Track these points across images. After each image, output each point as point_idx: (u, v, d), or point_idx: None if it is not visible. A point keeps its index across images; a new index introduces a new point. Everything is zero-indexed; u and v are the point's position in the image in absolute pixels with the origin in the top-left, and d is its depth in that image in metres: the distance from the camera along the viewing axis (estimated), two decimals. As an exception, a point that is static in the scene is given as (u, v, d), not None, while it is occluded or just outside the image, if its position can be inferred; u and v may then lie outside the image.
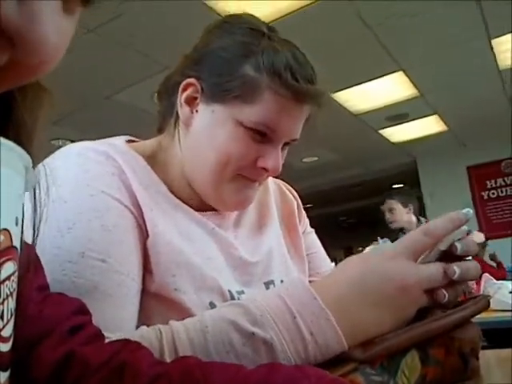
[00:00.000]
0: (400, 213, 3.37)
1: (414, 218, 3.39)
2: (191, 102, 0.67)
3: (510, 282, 2.18)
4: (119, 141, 0.68)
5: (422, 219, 3.43)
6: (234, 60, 0.64)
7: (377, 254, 0.53)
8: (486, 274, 2.24)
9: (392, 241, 3.05)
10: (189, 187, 0.70)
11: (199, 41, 0.71)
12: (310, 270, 0.84)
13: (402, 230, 3.44)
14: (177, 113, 0.69)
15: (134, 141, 0.74)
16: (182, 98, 0.68)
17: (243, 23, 0.67)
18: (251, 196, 0.70)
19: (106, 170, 0.60)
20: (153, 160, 0.69)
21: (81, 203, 0.56)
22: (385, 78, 3.86)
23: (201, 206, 0.70)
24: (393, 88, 4.09)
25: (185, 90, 0.67)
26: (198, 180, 0.68)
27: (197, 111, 0.67)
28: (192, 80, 0.67)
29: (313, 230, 0.92)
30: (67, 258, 0.52)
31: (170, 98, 0.71)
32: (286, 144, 0.69)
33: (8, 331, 0.24)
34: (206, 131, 0.66)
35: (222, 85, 0.64)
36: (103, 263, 0.54)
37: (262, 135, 0.64)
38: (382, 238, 3.21)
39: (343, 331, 0.47)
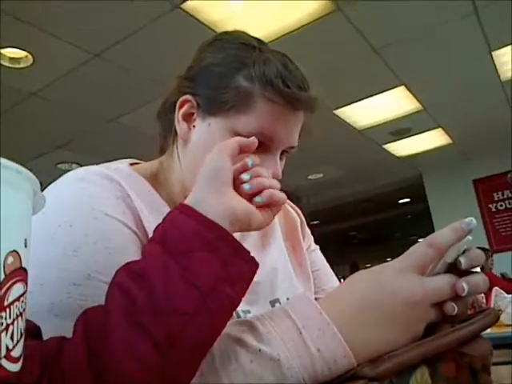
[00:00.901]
0: None
1: None
2: (188, 118, 0.69)
3: (520, 295, 2.15)
4: (123, 165, 0.69)
5: None
6: (227, 73, 0.66)
7: (383, 270, 0.53)
8: (497, 288, 2.21)
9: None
10: None
11: (193, 60, 0.72)
12: (315, 287, 0.84)
13: None
14: (175, 130, 0.70)
15: (137, 163, 0.75)
16: (179, 114, 0.69)
17: (235, 39, 0.70)
18: None
19: (110, 193, 0.61)
20: (155, 180, 0.70)
21: (86, 226, 0.56)
22: (387, 93, 3.89)
23: None
24: (395, 103, 4.12)
25: (181, 106, 0.69)
26: None
27: (194, 126, 0.68)
28: (188, 96, 0.68)
29: (317, 246, 0.91)
30: (72, 281, 0.52)
31: (168, 118, 0.72)
32: (284, 152, 0.70)
33: (18, 351, 0.24)
34: (203, 145, 0.67)
35: (217, 97, 0.65)
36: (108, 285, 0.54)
37: (258, 145, 0.65)
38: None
39: (350, 347, 0.46)
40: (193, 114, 0.68)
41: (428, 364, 0.47)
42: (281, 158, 0.69)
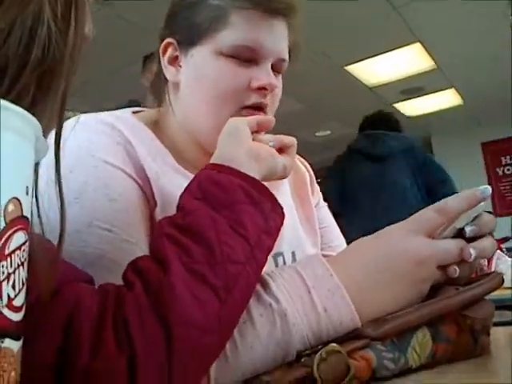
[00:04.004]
0: None
1: None
2: (173, 61, 0.70)
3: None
4: (126, 113, 0.69)
5: None
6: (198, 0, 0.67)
7: (390, 231, 0.53)
8: (498, 251, 2.21)
9: None
10: (191, 147, 0.71)
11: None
12: (322, 244, 0.84)
13: None
14: (165, 77, 0.71)
15: (140, 111, 0.74)
16: (164, 60, 0.70)
17: None
18: None
19: (110, 140, 0.61)
20: (155, 127, 0.71)
21: (85, 173, 0.57)
22: (401, 50, 3.77)
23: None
24: (409, 60, 4.00)
25: (165, 52, 0.70)
26: (201, 129, 0.69)
27: (180, 66, 0.69)
28: (168, 39, 0.69)
29: (326, 204, 0.91)
30: (74, 228, 0.53)
31: (157, 68, 0.73)
32: (277, 69, 0.69)
33: (20, 301, 0.24)
34: (192, 78, 0.68)
35: (192, 24, 0.66)
36: (110, 232, 0.54)
37: (245, 60, 0.65)
38: None
39: (357, 308, 0.47)
40: (177, 56, 0.69)
41: (429, 325, 0.48)
42: (276, 75, 0.69)
